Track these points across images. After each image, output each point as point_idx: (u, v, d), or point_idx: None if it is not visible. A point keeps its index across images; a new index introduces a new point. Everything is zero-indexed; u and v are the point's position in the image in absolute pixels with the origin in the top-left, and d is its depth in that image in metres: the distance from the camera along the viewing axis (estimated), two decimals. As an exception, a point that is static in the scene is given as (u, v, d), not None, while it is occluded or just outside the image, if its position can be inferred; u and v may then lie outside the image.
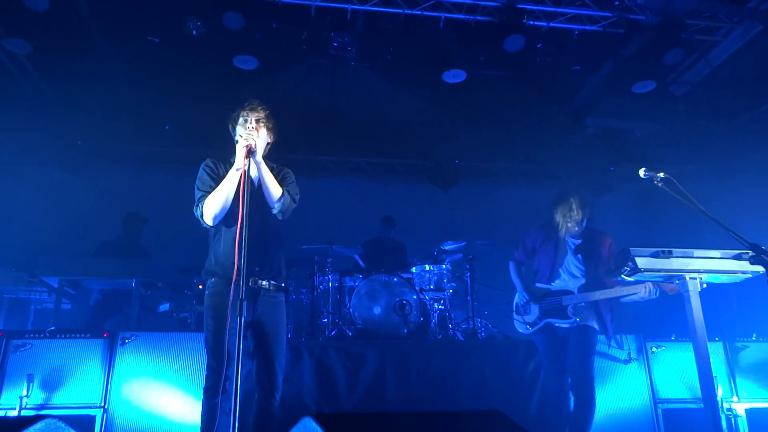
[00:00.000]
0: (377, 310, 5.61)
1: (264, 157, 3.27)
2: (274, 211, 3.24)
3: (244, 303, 2.69)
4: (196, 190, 3.29)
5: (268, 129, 3.30)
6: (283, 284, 3.36)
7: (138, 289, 5.27)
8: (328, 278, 5.84)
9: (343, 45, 6.39)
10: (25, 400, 3.96)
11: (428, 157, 8.90)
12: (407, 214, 7.73)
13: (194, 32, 5.93)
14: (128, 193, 7.55)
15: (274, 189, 3.21)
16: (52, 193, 7.56)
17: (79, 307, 5.91)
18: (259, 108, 3.28)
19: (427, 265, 6.02)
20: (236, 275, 2.86)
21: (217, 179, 3.26)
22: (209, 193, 3.21)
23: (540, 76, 6.97)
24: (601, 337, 4.19)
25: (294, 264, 5.98)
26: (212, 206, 3.17)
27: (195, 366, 4.23)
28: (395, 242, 7.10)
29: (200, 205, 3.22)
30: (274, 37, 6.34)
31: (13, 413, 3.96)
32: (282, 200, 3.23)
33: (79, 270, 5.19)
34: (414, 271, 6.05)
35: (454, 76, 6.82)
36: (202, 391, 3.12)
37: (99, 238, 6.35)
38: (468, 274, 6.06)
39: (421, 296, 5.79)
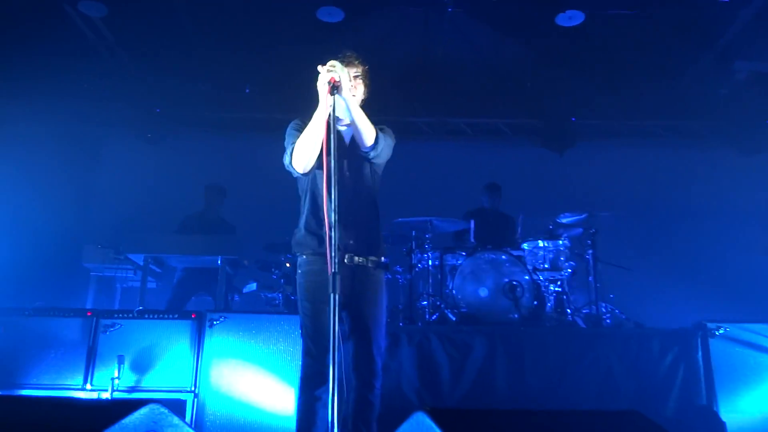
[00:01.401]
0: (484, 293, 5.56)
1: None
2: (367, 151, 3.19)
3: (336, 277, 2.61)
4: (286, 146, 3.29)
5: (366, 86, 3.30)
6: (382, 259, 3.31)
7: (224, 267, 5.51)
8: (428, 256, 5.83)
9: (439, -13, 6.28)
10: (116, 381, 4.28)
11: (539, 116, 8.61)
12: (516, 181, 7.55)
13: (274, -17, 6.02)
14: (210, 163, 7.88)
15: (367, 129, 3.14)
16: (132, 164, 8.04)
17: (164, 286, 6.31)
18: (355, 62, 3.26)
19: (540, 241, 5.88)
20: (347, 258, 2.91)
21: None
22: (287, 145, 3.25)
23: (676, 12, 6.52)
24: None
25: (388, 240, 6.01)
26: (302, 150, 3.14)
27: (288, 351, 4.38)
28: (502, 214, 6.98)
29: (288, 150, 3.22)
30: (362, -15, 6.33)
31: (105, 395, 4.30)
32: (377, 140, 3.19)
33: (164, 247, 5.50)
34: (526, 247, 5.93)
35: (570, 18, 6.55)
36: (296, 379, 3.17)
37: (183, 211, 6.69)
38: (590, 251, 5.86)
39: (535, 276, 5.68)
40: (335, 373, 2.55)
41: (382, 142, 3.21)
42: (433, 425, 1.94)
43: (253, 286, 6.04)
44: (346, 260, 3.16)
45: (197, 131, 8.43)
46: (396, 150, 3.46)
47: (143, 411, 1.92)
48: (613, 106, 8.27)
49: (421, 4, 6.55)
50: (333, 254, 2.64)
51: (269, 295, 5.99)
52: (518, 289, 5.49)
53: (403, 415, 2.29)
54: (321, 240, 3.14)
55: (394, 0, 6.57)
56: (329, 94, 2.94)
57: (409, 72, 7.81)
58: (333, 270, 2.62)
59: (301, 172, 3.21)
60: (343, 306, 3.16)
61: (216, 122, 8.51)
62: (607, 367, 4.70)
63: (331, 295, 2.58)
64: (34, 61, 7.06)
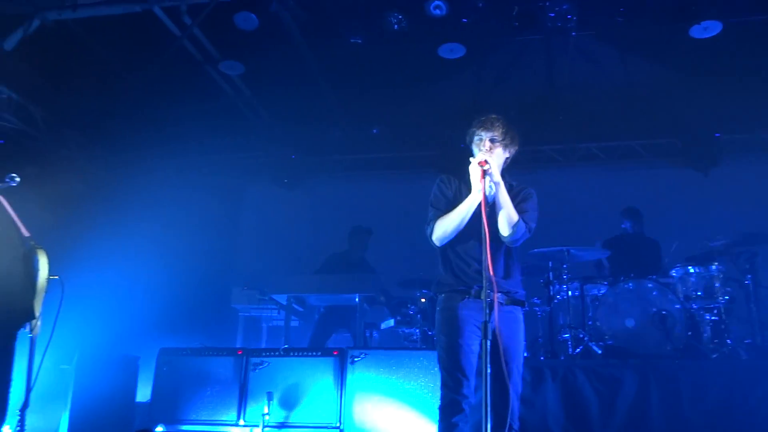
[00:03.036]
0: (630, 323, 5.27)
1: (504, 171, 3.33)
2: (505, 240, 3.25)
3: (489, 325, 2.75)
4: (429, 207, 3.42)
5: (505, 146, 3.32)
6: (520, 298, 3.36)
7: (361, 304, 5.63)
8: (567, 287, 5.64)
9: (562, 14, 6.16)
10: (266, 417, 4.47)
11: (678, 134, 8.12)
12: (656, 204, 7.15)
13: (396, 27, 6.19)
14: (343, 203, 8.16)
15: (508, 214, 3.21)
16: (272, 209, 8.51)
17: (306, 324, 6.55)
18: (495, 125, 3.30)
19: (690, 267, 5.49)
20: (478, 294, 3.06)
21: (450, 198, 3.39)
22: (442, 211, 3.34)
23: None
24: None
25: (524, 272, 5.86)
26: (444, 229, 3.29)
27: (428, 386, 4.38)
28: (645, 239, 6.60)
29: (432, 224, 3.34)
30: (481, 19, 6.36)
31: (257, 430, 4.50)
32: (516, 228, 3.22)
33: (305, 287, 5.74)
34: (674, 274, 5.56)
35: (706, 29, 6.17)
36: (437, 411, 3.20)
37: (320, 251, 6.94)
38: (749, 276, 5.39)
39: (687, 305, 5.29)
40: (488, 416, 2.67)
41: (521, 229, 3.24)
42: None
43: (391, 322, 6.11)
44: (481, 296, 3.18)
45: (330, 174, 8.78)
46: (526, 179, 3.49)
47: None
48: (759, 117, 7.64)
49: (543, 31, 6.46)
50: (485, 303, 2.82)
51: (407, 331, 6.02)
52: (669, 320, 5.14)
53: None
54: (459, 280, 3.29)
55: (515, 30, 6.52)
56: (481, 179, 3.10)
57: (534, 100, 7.70)
58: (485, 319, 2.78)
59: (438, 245, 3.37)
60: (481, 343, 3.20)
61: (347, 164, 8.82)
62: (780, 404, 4.25)
63: (483, 342, 2.77)
64: (182, 121, 7.73)
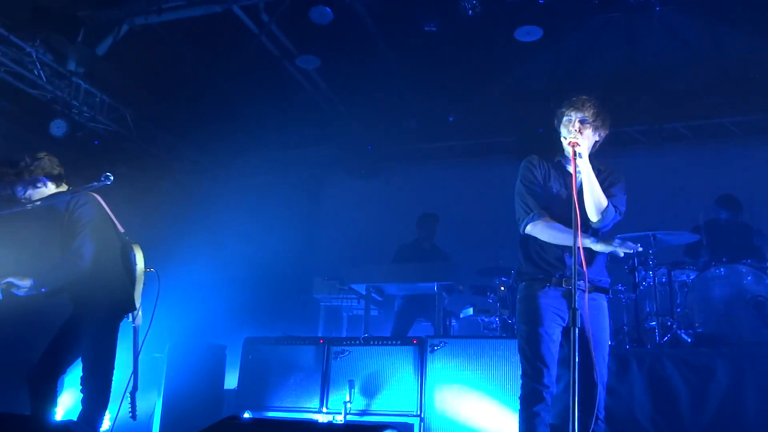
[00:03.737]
0: (723, 310, 5.00)
1: (592, 155, 3.22)
2: (594, 225, 3.15)
3: (578, 312, 2.67)
4: (523, 192, 3.29)
5: (595, 128, 3.20)
6: (604, 285, 3.26)
7: (440, 293, 5.62)
8: (653, 273, 5.41)
9: (645, -12, 5.91)
10: (348, 405, 4.55)
11: (775, 109, 7.61)
12: (752, 185, 6.71)
13: (470, 12, 6.10)
14: (420, 192, 8.16)
15: (597, 199, 3.11)
16: (350, 200, 8.63)
17: (385, 313, 6.61)
18: (586, 105, 3.18)
19: (789, 250, 5.15)
20: (559, 282, 3.06)
21: (541, 181, 3.30)
22: (539, 199, 3.25)
23: None
24: None
25: (609, 258, 5.69)
26: (549, 237, 3.20)
27: (508, 374, 4.32)
28: (739, 223, 6.22)
29: (534, 219, 3.22)
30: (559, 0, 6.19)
31: (339, 417, 4.58)
32: (605, 213, 3.12)
33: (383, 276, 5.79)
34: (772, 258, 5.23)
35: (805, -6, 5.75)
36: (517, 400, 3.17)
37: (397, 241, 6.98)
38: None
39: (785, 290, 4.97)
40: (575, 406, 2.60)
41: (610, 213, 3.14)
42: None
43: (470, 310, 6.07)
44: (563, 284, 3.16)
45: (406, 164, 8.80)
46: (608, 163, 3.37)
47: (382, 435, 2.00)
48: None
49: (624, 8, 6.21)
50: (573, 289, 2.70)
51: (486, 319, 5.97)
52: (766, 305, 4.83)
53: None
54: (539, 268, 3.22)
55: (594, 8, 6.29)
56: (572, 160, 3.03)
57: (616, 80, 7.42)
58: (573, 305, 2.69)
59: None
60: (565, 331, 3.18)
61: (423, 153, 8.81)
62: None
63: (572, 329, 2.68)
64: (263, 116, 7.95)
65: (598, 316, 3.18)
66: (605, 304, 3.28)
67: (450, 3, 6.09)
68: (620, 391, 4.39)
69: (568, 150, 3.07)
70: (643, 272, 5.54)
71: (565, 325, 3.17)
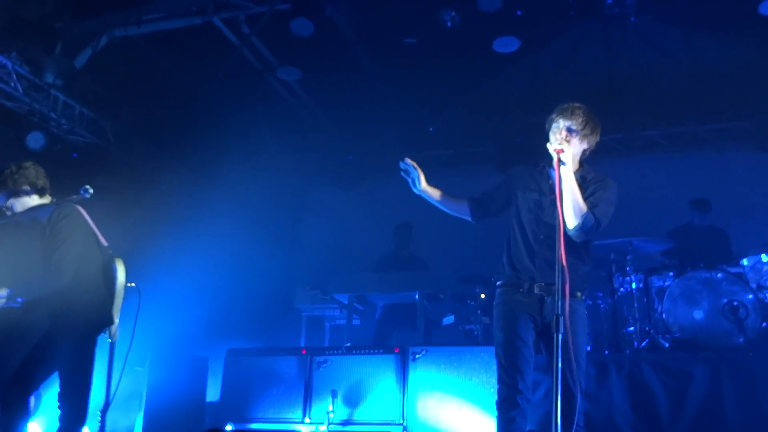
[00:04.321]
0: (699, 315, 5.05)
1: (584, 163, 3.29)
2: (569, 232, 3.11)
3: (561, 318, 2.67)
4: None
5: (583, 136, 3.21)
6: (579, 292, 3.24)
7: (422, 301, 5.64)
8: (631, 279, 5.47)
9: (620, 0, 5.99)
10: (331, 415, 4.53)
11: (748, 117, 7.72)
12: (725, 192, 6.81)
13: (449, 23, 6.15)
14: (401, 202, 8.09)
15: (573, 207, 3.08)
16: (332, 210, 8.61)
17: (367, 322, 6.60)
18: (575, 114, 3.19)
19: (763, 255, 5.22)
20: (531, 288, 3.10)
21: (497, 195, 3.49)
22: (477, 198, 3.48)
23: None
24: None
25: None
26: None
27: (489, 382, 4.33)
28: (713, 229, 6.33)
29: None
30: (535, 10, 6.25)
31: (323, 428, 4.57)
32: (582, 220, 3.09)
33: (366, 285, 5.81)
34: (745, 263, 5.30)
35: (774, 7, 5.85)
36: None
37: (379, 250, 7.00)
38: (827, 262, 5.08)
39: (760, 295, 5.04)
40: (557, 409, 2.61)
41: (588, 221, 3.11)
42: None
43: (451, 318, 6.09)
44: (536, 290, 3.19)
45: (388, 173, 8.73)
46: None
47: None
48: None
49: (600, 18, 6.28)
50: (558, 293, 2.70)
51: (468, 327, 5.99)
52: (741, 310, 4.90)
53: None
54: (516, 272, 3.25)
55: (571, 19, 6.36)
56: (556, 167, 3.02)
57: (593, 89, 7.49)
58: (557, 311, 2.69)
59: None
60: (540, 335, 3.21)
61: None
62: None
63: (554, 335, 2.68)
64: (246, 127, 7.91)
65: (574, 322, 3.12)
66: (582, 309, 3.27)
67: (429, 16, 6.13)
68: (599, 397, 4.42)
69: (554, 156, 3.07)
70: (621, 278, 5.59)
71: (539, 329, 3.19)
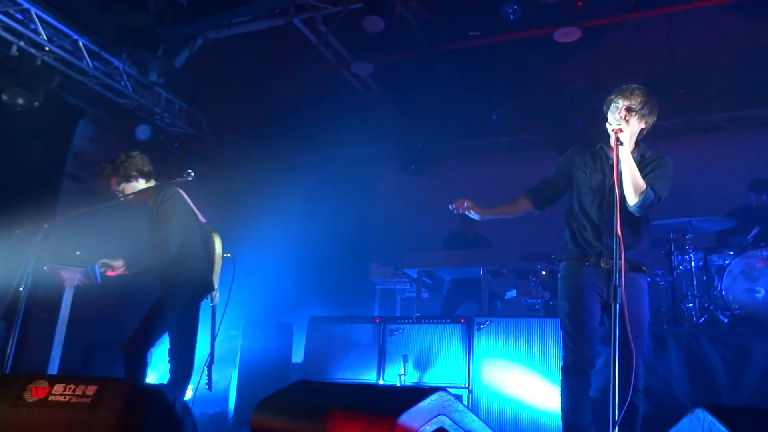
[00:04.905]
0: (761, 293, 4.82)
1: (640, 142, 3.22)
2: (630, 208, 3.05)
3: (618, 289, 2.58)
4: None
5: (641, 116, 3.13)
6: (642, 265, 3.17)
7: (486, 276, 5.62)
8: (690, 257, 5.25)
9: (683, -14, 5.72)
10: (402, 378, 4.61)
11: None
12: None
13: (512, 16, 6.05)
14: (466, 186, 8.13)
15: (633, 185, 3.01)
16: (402, 193, 8.71)
17: (435, 295, 6.65)
18: (634, 94, 3.11)
19: (825, 235, 4.92)
20: (597, 261, 3.03)
21: (556, 174, 3.42)
22: (534, 189, 3.43)
23: None
24: None
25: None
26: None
27: (549, 351, 4.30)
28: (772, 208, 5.99)
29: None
30: (596, 1, 6.06)
31: (395, 389, 4.65)
32: (643, 197, 3.01)
33: (434, 262, 5.84)
34: (810, 242, 5.00)
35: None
36: (559, 373, 3.15)
37: (445, 230, 7.01)
38: None
39: (823, 273, 4.76)
40: (616, 381, 2.52)
41: (648, 197, 3.03)
42: (716, 422, 1.73)
43: (514, 292, 6.05)
44: (602, 264, 3.13)
45: (453, 159, 8.79)
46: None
47: (434, 397, 2.06)
48: None
49: (663, 5, 6.02)
50: (615, 267, 2.62)
51: (529, 301, 5.94)
52: (804, 288, 4.64)
53: (675, 417, 2.08)
54: (580, 248, 3.20)
55: (632, 7, 6.12)
56: (614, 146, 2.92)
57: (653, 76, 7.20)
58: (614, 282, 2.60)
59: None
60: (604, 308, 3.13)
61: (469, 149, 8.78)
62: None
63: (612, 305, 2.58)
64: (321, 118, 8.08)
65: (635, 294, 3.09)
66: (644, 283, 3.19)
67: (492, 9, 6.05)
68: (658, 368, 4.29)
69: (612, 136, 2.99)
70: (680, 257, 5.38)
71: (604, 304, 3.14)
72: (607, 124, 3.06)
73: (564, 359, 3.12)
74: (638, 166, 3.07)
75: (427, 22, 6.60)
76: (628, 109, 3.09)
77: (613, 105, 3.15)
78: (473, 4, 6.28)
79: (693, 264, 5.26)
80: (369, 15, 5.81)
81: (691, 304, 5.15)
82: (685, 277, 5.36)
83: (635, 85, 3.14)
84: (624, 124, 3.02)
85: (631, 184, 3.01)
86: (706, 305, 5.06)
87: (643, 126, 3.17)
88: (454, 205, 3.42)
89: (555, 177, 3.44)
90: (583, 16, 6.18)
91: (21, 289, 3.23)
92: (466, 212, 3.42)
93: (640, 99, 3.10)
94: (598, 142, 3.34)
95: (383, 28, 6.04)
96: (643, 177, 3.06)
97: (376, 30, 6.06)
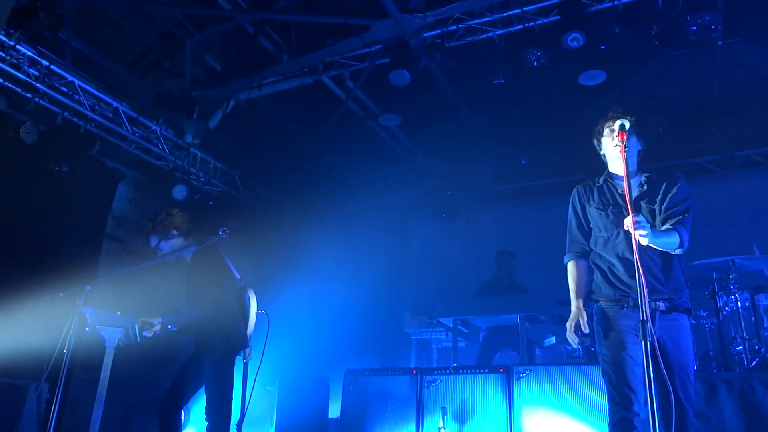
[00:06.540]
0: (814, 333, 4.61)
1: (641, 164, 3.15)
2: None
3: (647, 324, 2.47)
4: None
5: (638, 135, 3.09)
6: (683, 304, 3.01)
7: (523, 323, 5.51)
8: (736, 297, 5.06)
9: (705, 26, 5.69)
10: (442, 431, 4.50)
11: None
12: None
13: (535, 63, 6.12)
14: (498, 231, 8.11)
15: (664, 246, 2.91)
16: (434, 241, 8.71)
17: (471, 345, 6.52)
18: (625, 115, 3.05)
19: None
20: (636, 303, 2.81)
21: (578, 219, 3.28)
22: (567, 247, 3.28)
23: None
24: None
25: (687, 284, 5.40)
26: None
27: (593, 399, 4.15)
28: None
29: (566, 260, 3.26)
30: (619, 43, 6.09)
31: (434, 443, 4.53)
32: (674, 248, 2.91)
33: (469, 310, 5.75)
34: None
35: None
36: (602, 426, 3.04)
37: (479, 277, 6.94)
38: None
39: None
40: (656, 420, 2.35)
41: (681, 246, 2.93)
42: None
43: (552, 339, 5.90)
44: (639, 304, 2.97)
45: (484, 204, 8.79)
46: None
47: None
48: None
49: (686, 45, 6.02)
50: (642, 302, 2.52)
51: (569, 348, 5.77)
52: None
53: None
54: (616, 289, 3.03)
55: (656, 49, 6.14)
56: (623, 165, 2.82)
57: (683, 114, 7.17)
58: (642, 318, 2.49)
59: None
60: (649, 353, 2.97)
61: (499, 194, 8.78)
62: None
63: (642, 343, 2.45)
64: (352, 169, 8.22)
65: (677, 336, 2.93)
66: (686, 323, 3.00)
67: (515, 57, 6.13)
68: (710, 416, 4.10)
69: (618, 156, 2.91)
70: (725, 297, 5.19)
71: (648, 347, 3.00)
72: (608, 150, 3.06)
73: (611, 413, 2.91)
74: (648, 191, 3.04)
75: (452, 73, 6.72)
76: (626, 129, 2.95)
77: (607, 129, 3.09)
78: (497, 53, 6.38)
79: (739, 304, 5.06)
80: (395, 69, 5.96)
81: (740, 347, 4.93)
82: (732, 318, 5.16)
83: (621, 108, 3.09)
84: (623, 149, 2.85)
85: (661, 247, 2.92)
86: (756, 347, 4.85)
87: (640, 147, 3.12)
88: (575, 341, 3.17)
89: (579, 223, 3.30)
90: (607, 59, 6.22)
91: (65, 351, 3.29)
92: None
93: (633, 118, 3.02)
94: (596, 178, 3.26)
95: (409, 81, 6.18)
96: (664, 212, 3.00)
97: (403, 83, 6.20)
